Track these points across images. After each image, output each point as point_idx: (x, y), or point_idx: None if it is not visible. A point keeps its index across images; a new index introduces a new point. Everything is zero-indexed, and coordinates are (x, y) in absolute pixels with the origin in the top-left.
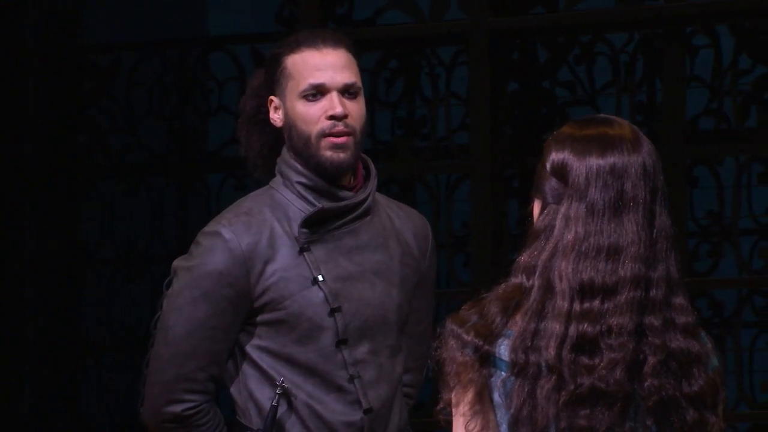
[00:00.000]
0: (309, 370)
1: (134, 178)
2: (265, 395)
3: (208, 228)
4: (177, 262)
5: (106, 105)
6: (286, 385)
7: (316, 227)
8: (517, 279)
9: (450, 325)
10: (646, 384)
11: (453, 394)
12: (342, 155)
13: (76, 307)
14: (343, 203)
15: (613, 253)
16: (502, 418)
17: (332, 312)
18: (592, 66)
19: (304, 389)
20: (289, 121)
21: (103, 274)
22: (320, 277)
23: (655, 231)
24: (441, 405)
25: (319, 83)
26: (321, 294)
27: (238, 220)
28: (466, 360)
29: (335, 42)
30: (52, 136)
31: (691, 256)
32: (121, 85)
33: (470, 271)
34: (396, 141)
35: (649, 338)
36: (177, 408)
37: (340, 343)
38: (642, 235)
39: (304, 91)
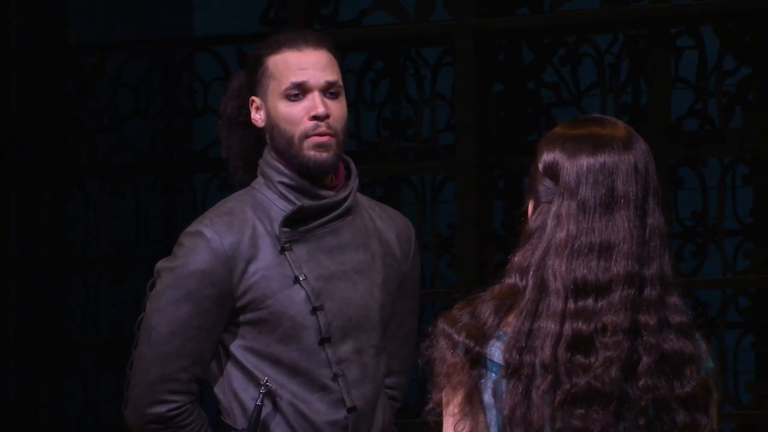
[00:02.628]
0: (293, 370)
1: (120, 178)
2: (249, 395)
3: (190, 228)
4: (160, 264)
5: (91, 105)
6: (271, 385)
7: (298, 226)
8: (511, 279)
9: (441, 325)
10: (641, 383)
11: (443, 395)
12: (325, 154)
13: (61, 308)
14: (323, 201)
15: (605, 250)
16: (492, 419)
17: (314, 311)
18: (577, 67)
19: (288, 389)
20: (271, 122)
21: (89, 275)
22: (302, 276)
23: (647, 229)
24: (430, 405)
25: (301, 81)
26: (303, 293)
27: (220, 220)
28: (457, 361)
29: (316, 42)
30: (38, 136)
31: (676, 257)
32: (107, 85)
33: (455, 271)
34: (381, 142)
35: (644, 337)
36: (161, 409)
37: (323, 341)
38: (634, 233)
39: (287, 90)
